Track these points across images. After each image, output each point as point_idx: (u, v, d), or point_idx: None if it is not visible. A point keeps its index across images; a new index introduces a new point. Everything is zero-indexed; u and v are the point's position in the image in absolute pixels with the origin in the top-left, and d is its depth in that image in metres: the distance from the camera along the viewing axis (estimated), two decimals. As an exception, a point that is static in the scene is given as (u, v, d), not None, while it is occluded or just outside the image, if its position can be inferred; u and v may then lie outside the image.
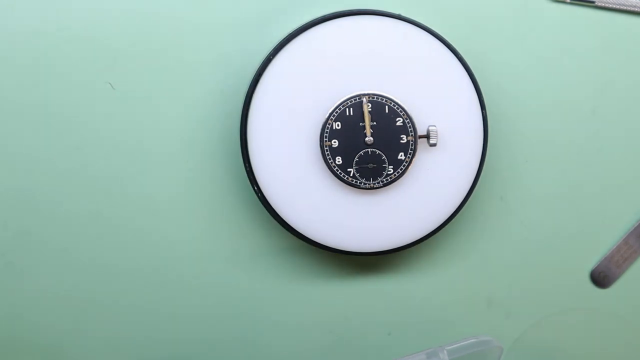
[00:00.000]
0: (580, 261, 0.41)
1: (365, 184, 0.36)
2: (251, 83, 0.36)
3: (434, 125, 0.36)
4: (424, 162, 0.37)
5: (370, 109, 0.36)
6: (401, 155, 0.36)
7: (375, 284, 0.41)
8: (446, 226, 0.38)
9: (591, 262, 0.42)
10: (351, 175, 0.36)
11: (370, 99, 0.36)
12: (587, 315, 0.42)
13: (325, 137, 0.36)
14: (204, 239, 0.39)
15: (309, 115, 0.36)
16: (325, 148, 0.36)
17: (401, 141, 0.36)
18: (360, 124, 0.36)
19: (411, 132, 0.36)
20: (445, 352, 0.33)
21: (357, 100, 0.36)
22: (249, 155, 0.36)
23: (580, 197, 0.40)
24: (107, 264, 0.39)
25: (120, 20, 0.36)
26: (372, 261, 0.40)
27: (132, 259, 0.39)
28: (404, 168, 0.36)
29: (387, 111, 0.36)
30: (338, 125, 0.36)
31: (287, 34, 0.36)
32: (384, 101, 0.36)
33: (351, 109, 0.36)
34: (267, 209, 0.37)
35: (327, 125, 0.36)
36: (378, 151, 0.36)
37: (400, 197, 0.37)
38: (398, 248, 0.38)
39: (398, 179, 0.37)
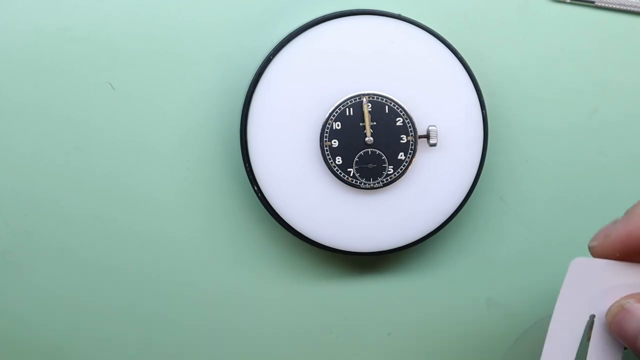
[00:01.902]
0: (580, 261, 0.41)
1: (365, 184, 0.36)
2: (251, 83, 0.36)
3: (434, 125, 0.36)
4: (424, 162, 0.37)
5: (370, 109, 0.36)
6: (401, 155, 0.36)
7: (375, 284, 0.41)
8: (446, 226, 0.38)
9: (591, 262, 0.41)
10: (351, 175, 0.36)
11: (370, 99, 0.36)
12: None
13: (325, 137, 0.36)
14: (203, 239, 0.39)
15: (309, 115, 0.36)
16: (325, 148, 0.36)
17: (401, 141, 0.36)
18: (360, 124, 0.36)
19: (411, 132, 0.36)
20: None
21: (357, 100, 0.36)
22: (249, 155, 0.36)
23: (580, 197, 0.40)
24: (107, 264, 0.39)
25: (120, 20, 0.36)
26: (372, 261, 0.40)
27: (132, 259, 0.39)
28: (404, 168, 0.36)
29: (387, 111, 0.36)
30: (338, 125, 0.36)
31: (287, 34, 0.36)
32: (384, 101, 0.36)
33: (351, 109, 0.36)
34: (267, 209, 0.37)
35: (327, 125, 0.36)
36: (378, 151, 0.36)
37: (400, 197, 0.37)
38: (398, 248, 0.38)
39: (398, 179, 0.37)
